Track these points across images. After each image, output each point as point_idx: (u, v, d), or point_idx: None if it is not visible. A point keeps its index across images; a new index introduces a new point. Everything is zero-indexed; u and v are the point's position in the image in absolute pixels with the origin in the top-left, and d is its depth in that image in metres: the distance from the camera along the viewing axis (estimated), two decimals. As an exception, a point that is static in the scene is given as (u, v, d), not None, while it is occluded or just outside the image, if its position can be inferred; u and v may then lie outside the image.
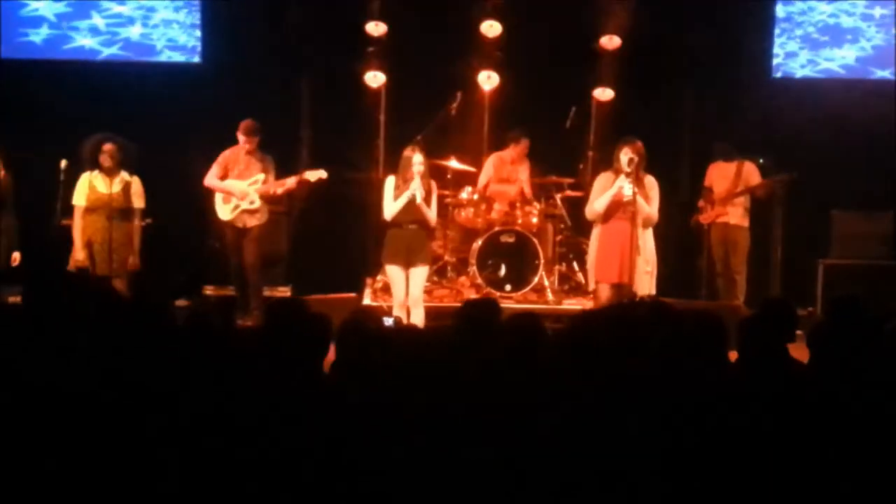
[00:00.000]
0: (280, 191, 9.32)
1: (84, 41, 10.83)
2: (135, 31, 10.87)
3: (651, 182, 8.28)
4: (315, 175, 9.27)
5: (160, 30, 10.88)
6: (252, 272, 9.38)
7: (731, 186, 9.92)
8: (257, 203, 9.25)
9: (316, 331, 4.51)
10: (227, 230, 9.37)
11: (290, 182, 9.28)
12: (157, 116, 10.06)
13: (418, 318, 8.08)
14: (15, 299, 6.90)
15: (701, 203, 10.09)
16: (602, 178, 8.39)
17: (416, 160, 8.14)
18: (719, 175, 10.02)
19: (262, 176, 9.26)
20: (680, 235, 10.45)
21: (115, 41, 10.85)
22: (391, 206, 8.18)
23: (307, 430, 3.68)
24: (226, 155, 9.31)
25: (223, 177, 9.28)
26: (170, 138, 9.93)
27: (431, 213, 8.27)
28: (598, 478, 3.50)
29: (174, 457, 3.58)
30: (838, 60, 11.08)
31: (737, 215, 9.93)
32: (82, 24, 10.82)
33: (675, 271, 10.22)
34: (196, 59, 10.91)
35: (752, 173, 9.96)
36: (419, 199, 8.06)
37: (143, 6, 10.86)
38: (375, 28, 10.20)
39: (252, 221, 9.30)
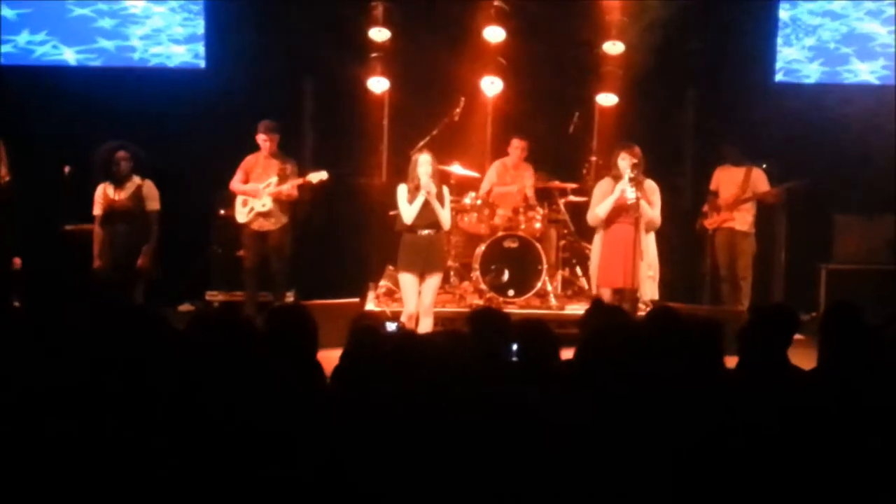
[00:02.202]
0: (284, 194, 9.33)
1: (86, 45, 10.84)
2: (140, 36, 10.87)
3: (652, 186, 8.30)
4: (317, 177, 9.30)
5: (165, 35, 10.89)
6: (278, 277, 9.45)
7: (739, 192, 9.91)
8: (269, 206, 9.30)
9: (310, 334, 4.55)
10: (245, 233, 9.41)
11: (288, 187, 9.28)
12: (162, 121, 10.07)
13: (427, 327, 8.05)
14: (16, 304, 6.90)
15: (706, 208, 10.09)
16: (602, 185, 8.42)
17: (424, 160, 8.14)
18: (727, 180, 10.01)
19: (275, 179, 9.29)
20: (683, 240, 10.45)
21: (119, 45, 10.86)
22: (409, 211, 8.14)
23: (311, 435, 3.69)
24: (247, 160, 9.41)
25: (245, 182, 9.36)
26: (174, 143, 9.95)
27: (445, 215, 8.25)
28: (602, 482, 3.51)
29: (174, 459, 3.58)
30: (857, 73, 11.01)
31: (744, 222, 9.92)
32: (85, 26, 10.83)
33: (678, 276, 10.23)
34: (200, 64, 10.93)
35: (760, 180, 9.95)
36: (433, 192, 8.06)
37: (148, 11, 10.87)
38: (379, 34, 10.21)
39: (268, 225, 9.35)
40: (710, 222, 10.04)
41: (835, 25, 11.02)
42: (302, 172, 9.39)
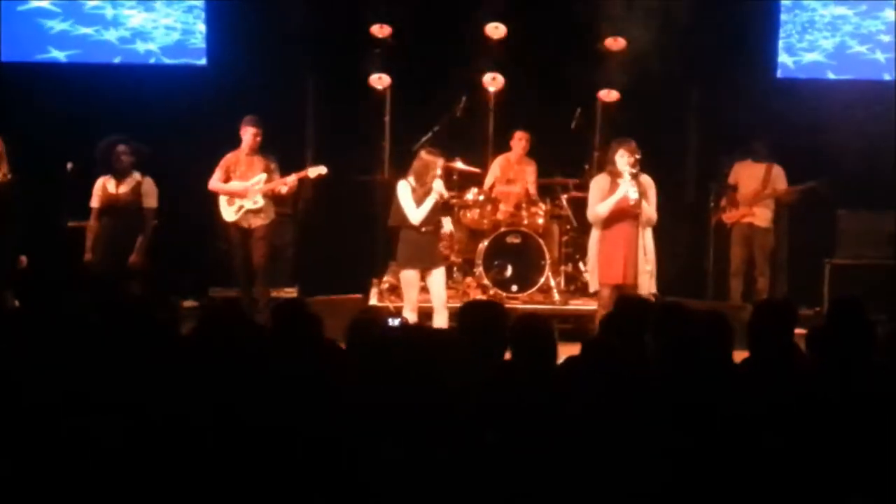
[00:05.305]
0: (284, 189, 9.30)
1: (85, 43, 10.84)
2: (140, 33, 10.86)
3: (649, 181, 8.27)
4: (315, 171, 9.25)
5: (165, 32, 10.87)
6: (260, 272, 9.37)
7: (759, 188, 9.94)
8: (261, 203, 9.25)
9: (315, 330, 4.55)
10: (233, 231, 9.36)
11: (292, 180, 9.27)
12: (163, 119, 10.05)
13: (442, 322, 8.02)
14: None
15: (724, 202, 10.10)
16: (599, 181, 8.33)
17: (439, 164, 8.23)
18: (747, 175, 10.03)
19: (263, 175, 9.24)
20: (685, 236, 10.43)
21: (120, 43, 10.84)
22: (419, 213, 8.12)
23: (311, 430, 3.68)
24: (227, 158, 9.32)
25: (226, 180, 9.29)
26: (175, 140, 9.93)
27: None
28: (605, 479, 3.50)
29: (174, 457, 3.58)
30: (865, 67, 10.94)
31: (764, 218, 9.96)
32: (85, 25, 10.82)
33: (680, 271, 10.22)
34: (201, 61, 10.91)
35: (779, 177, 9.97)
36: (446, 196, 8.13)
37: (148, 8, 10.86)
38: (380, 30, 10.20)
39: (257, 221, 9.29)
40: (728, 216, 10.05)
41: (842, 15, 10.97)
42: (298, 168, 9.34)
